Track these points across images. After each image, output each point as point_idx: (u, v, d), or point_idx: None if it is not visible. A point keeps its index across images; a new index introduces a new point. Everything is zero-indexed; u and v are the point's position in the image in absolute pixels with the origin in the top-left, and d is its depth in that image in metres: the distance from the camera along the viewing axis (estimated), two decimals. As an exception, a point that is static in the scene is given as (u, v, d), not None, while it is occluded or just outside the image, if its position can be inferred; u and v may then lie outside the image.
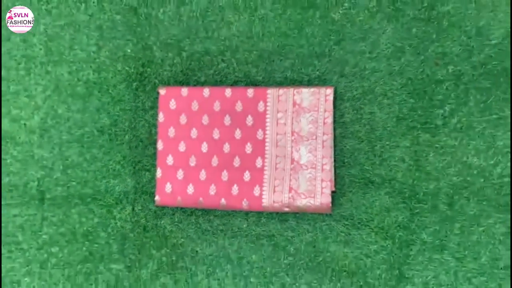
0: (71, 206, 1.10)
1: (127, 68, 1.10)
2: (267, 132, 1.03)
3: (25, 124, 1.12)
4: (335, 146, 1.03)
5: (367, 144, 1.03)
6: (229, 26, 1.07)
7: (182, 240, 1.07)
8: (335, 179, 1.02)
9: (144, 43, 1.10)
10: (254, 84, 1.06)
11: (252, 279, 1.04)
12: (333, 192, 1.02)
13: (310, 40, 1.05)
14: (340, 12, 1.04)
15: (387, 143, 1.02)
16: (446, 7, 1.01)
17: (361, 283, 1.01)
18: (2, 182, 1.12)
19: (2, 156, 1.12)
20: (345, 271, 1.02)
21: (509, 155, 0.98)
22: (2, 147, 1.13)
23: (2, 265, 1.11)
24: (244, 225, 1.05)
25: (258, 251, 1.05)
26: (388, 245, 1.01)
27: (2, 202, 1.12)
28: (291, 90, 1.03)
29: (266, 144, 1.03)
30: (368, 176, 1.02)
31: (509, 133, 0.98)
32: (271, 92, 1.03)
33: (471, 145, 0.99)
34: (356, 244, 1.02)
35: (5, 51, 1.13)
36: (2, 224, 1.12)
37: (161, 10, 1.09)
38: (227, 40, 1.07)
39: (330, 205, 1.00)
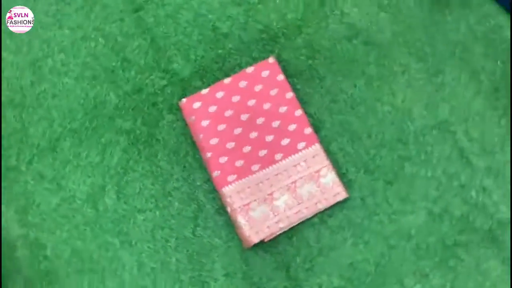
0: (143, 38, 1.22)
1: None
2: (283, 162, 1.11)
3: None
4: (300, 223, 1.08)
5: (318, 250, 1.07)
6: (353, 85, 1.16)
7: (161, 141, 1.16)
8: (274, 238, 1.08)
9: (284, 21, 1.20)
10: (317, 129, 1.13)
11: (164, 211, 1.12)
12: (262, 240, 1.07)
13: (375, 159, 1.12)
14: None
15: (328, 267, 1.07)
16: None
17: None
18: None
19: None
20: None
21: None
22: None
23: (55, 37, 1.22)
24: (198, 183, 1.13)
25: (184, 205, 1.12)
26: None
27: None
28: (327, 163, 1.10)
29: (274, 165, 1.11)
30: (292, 268, 1.07)
31: None
32: (317, 147, 1.11)
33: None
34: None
35: None
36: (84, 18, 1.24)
37: (331, 20, 1.19)
38: (340, 91, 1.16)
39: (252, 245, 1.06)
